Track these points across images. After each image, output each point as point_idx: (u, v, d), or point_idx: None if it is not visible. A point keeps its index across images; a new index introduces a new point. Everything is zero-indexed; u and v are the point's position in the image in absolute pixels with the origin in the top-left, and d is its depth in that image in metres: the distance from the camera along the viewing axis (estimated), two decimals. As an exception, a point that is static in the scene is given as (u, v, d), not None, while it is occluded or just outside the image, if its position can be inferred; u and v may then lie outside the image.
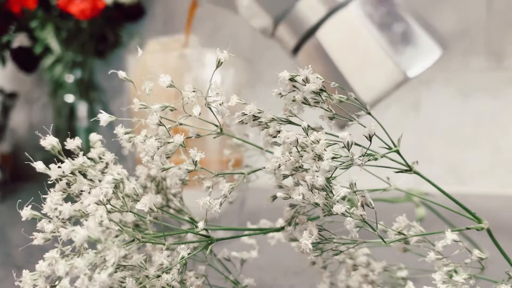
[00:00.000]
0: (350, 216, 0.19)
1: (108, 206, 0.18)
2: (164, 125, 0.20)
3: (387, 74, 0.37)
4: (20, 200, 0.20)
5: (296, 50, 0.42)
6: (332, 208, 0.19)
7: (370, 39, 0.37)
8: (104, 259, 0.17)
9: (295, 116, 0.21)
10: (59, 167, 0.20)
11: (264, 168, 0.21)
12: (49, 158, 0.20)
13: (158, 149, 0.20)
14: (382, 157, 0.19)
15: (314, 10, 0.39)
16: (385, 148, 0.20)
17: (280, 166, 0.20)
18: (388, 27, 0.37)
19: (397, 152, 0.20)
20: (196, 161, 0.20)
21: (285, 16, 0.40)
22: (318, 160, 0.19)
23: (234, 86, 0.41)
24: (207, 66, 0.39)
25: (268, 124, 0.20)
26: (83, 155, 0.21)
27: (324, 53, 0.39)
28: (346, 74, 0.38)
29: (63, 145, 0.20)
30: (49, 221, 0.19)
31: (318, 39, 0.39)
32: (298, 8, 0.39)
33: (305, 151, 0.19)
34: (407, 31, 0.38)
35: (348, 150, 0.19)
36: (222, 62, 0.21)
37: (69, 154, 0.21)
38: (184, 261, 0.20)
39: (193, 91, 0.20)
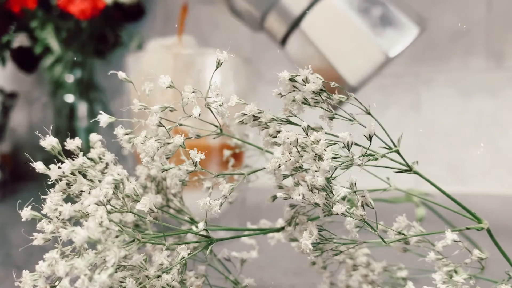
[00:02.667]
0: (350, 216, 0.19)
1: (108, 207, 0.18)
2: (164, 126, 0.20)
3: (369, 56, 0.39)
4: (20, 201, 0.20)
5: (284, 41, 0.44)
6: (332, 208, 0.19)
7: (351, 25, 0.39)
8: (104, 259, 0.17)
9: (295, 116, 0.21)
10: (59, 167, 0.20)
11: (264, 168, 0.21)
12: (49, 158, 0.20)
13: (158, 150, 0.20)
14: (382, 157, 0.19)
15: (298, 1, 0.41)
16: (385, 148, 0.20)
17: (280, 166, 0.20)
18: (367, 12, 0.40)
19: (397, 152, 0.20)
20: (196, 162, 0.20)
21: (271, 9, 0.42)
22: (318, 160, 0.19)
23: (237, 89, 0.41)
24: (208, 68, 0.39)
25: (268, 124, 0.20)
26: (83, 155, 0.21)
27: (309, 41, 0.41)
28: (331, 60, 0.40)
29: (63, 145, 0.20)
30: (49, 222, 0.19)
31: (303, 29, 0.41)
32: (283, 1, 0.41)
33: (305, 151, 0.19)
34: (385, 14, 0.40)
35: (348, 150, 0.19)
36: (222, 63, 0.21)
37: (69, 154, 0.21)
38: (184, 261, 0.20)
39: (193, 92, 0.20)
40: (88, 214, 0.18)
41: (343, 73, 0.40)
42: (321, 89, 0.20)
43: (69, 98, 0.67)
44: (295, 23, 0.41)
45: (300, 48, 0.42)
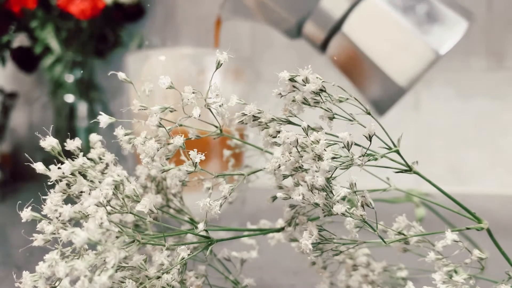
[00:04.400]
0: (350, 216, 0.19)
1: (108, 208, 0.18)
2: (164, 127, 0.20)
3: (419, 55, 0.38)
4: (20, 202, 0.20)
5: (324, 46, 0.43)
6: (332, 208, 0.19)
7: (397, 24, 0.38)
8: (104, 260, 0.17)
9: (295, 116, 0.20)
10: (59, 168, 0.20)
11: (264, 168, 0.21)
12: (49, 158, 0.20)
13: (158, 150, 0.20)
14: (382, 157, 0.19)
15: (337, 5, 0.40)
16: (385, 148, 0.20)
17: (280, 167, 0.20)
18: (411, 9, 0.38)
19: (397, 152, 0.20)
20: (196, 162, 0.20)
21: (309, 16, 0.41)
22: (318, 160, 0.19)
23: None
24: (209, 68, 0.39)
25: (268, 124, 0.20)
26: (83, 155, 0.21)
27: (353, 45, 0.40)
28: (378, 62, 0.39)
29: (63, 146, 0.20)
30: (49, 223, 0.19)
31: (345, 33, 0.40)
32: (321, 6, 0.40)
33: (305, 151, 0.19)
34: (430, 10, 0.38)
35: (348, 150, 0.19)
36: (222, 63, 0.21)
37: (70, 154, 0.21)
38: (184, 262, 0.20)
39: (193, 93, 0.20)
40: (88, 215, 0.18)
41: (392, 74, 0.38)
42: (320, 89, 0.19)
43: (69, 98, 0.67)
44: (336, 27, 0.40)
45: (343, 52, 0.41)
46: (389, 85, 0.39)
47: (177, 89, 0.21)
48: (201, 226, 0.21)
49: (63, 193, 0.20)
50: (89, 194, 0.19)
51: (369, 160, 0.19)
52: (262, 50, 0.72)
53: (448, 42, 0.38)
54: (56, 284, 0.18)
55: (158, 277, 0.20)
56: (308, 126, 0.20)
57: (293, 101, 0.20)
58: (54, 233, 0.19)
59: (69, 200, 0.20)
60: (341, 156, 0.19)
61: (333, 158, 0.19)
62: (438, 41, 0.38)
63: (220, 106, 0.20)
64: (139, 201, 0.20)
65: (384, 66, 0.39)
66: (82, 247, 0.18)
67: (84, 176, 0.20)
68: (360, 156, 0.19)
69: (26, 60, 0.68)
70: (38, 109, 0.79)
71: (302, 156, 0.19)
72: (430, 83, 0.67)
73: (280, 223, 0.24)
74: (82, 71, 0.68)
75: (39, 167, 0.20)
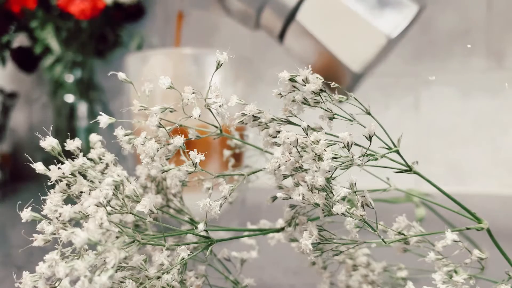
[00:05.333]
0: (350, 216, 0.19)
1: (108, 208, 0.18)
2: (164, 127, 0.20)
3: (370, 40, 0.38)
4: (20, 202, 0.20)
5: (282, 36, 0.43)
6: (332, 208, 0.19)
7: (347, 10, 0.38)
8: (104, 261, 0.17)
9: (295, 116, 0.21)
10: (59, 168, 0.20)
11: (264, 168, 0.21)
12: (49, 158, 0.20)
13: (158, 150, 0.20)
14: (382, 157, 0.19)
15: None
16: (385, 148, 0.20)
17: (280, 167, 0.20)
18: None
19: (397, 152, 0.20)
20: (196, 163, 0.20)
21: (266, 5, 0.41)
22: (318, 160, 0.19)
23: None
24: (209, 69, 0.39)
25: (268, 124, 0.20)
26: (83, 155, 0.21)
27: (307, 33, 0.40)
28: (331, 49, 0.39)
29: (63, 146, 0.20)
30: (49, 223, 0.19)
31: (299, 21, 0.40)
32: None
33: (305, 151, 0.19)
34: None
35: (348, 150, 0.19)
36: (221, 64, 0.21)
37: (70, 154, 0.21)
38: (184, 262, 0.20)
39: (193, 93, 0.20)
40: (88, 216, 0.18)
41: (345, 60, 0.39)
42: (321, 89, 0.20)
43: (69, 98, 0.67)
44: (291, 16, 0.40)
45: (298, 41, 0.41)
46: (343, 72, 0.39)
47: (177, 89, 0.20)
48: (201, 226, 0.21)
49: (63, 193, 0.20)
50: (89, 194, 0.19)
51: (369, 160, 0.19)
52: (262, 50, 0.72)
53: (399, 26, 0.38)
54: (56, 284, 0.18)
55: (158, 277, 0.20)
56: (308, 126, 0.20)
57: (293, 101, 0.20)
58: (54, 233, 0.19)
59: (69, 200, 0.20)
60: (341, 156, 0.19)
61: (333, 158, 0.19)
62: (388, 26, 0.38)
63: (220, 106, 0.20)
64: (139, 201, 0.20)
65: (337, 53, 0.39)
66: (82, 247, 0.18)
67: (84, 176, 0.20)
68: (360, 156, 0.19)
69: (26, 60, 0.68)
70: (38, 109, 0.79)
71: (302, 156, 0.19)
72: (430, 83, 0.67)
73: (280, 223, 0.24)
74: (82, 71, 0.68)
75: (39, 167, 0.20)
